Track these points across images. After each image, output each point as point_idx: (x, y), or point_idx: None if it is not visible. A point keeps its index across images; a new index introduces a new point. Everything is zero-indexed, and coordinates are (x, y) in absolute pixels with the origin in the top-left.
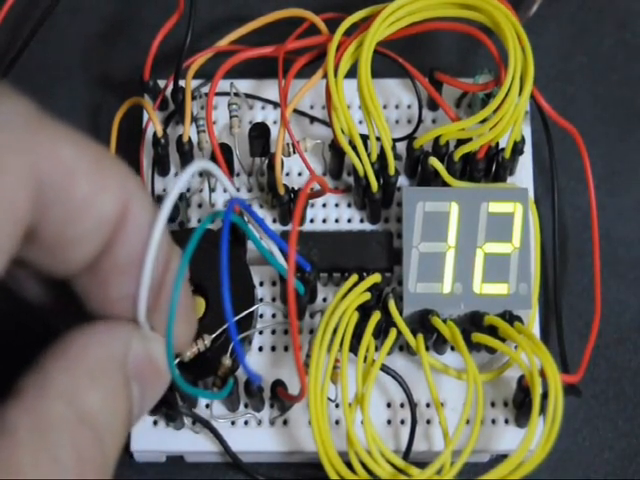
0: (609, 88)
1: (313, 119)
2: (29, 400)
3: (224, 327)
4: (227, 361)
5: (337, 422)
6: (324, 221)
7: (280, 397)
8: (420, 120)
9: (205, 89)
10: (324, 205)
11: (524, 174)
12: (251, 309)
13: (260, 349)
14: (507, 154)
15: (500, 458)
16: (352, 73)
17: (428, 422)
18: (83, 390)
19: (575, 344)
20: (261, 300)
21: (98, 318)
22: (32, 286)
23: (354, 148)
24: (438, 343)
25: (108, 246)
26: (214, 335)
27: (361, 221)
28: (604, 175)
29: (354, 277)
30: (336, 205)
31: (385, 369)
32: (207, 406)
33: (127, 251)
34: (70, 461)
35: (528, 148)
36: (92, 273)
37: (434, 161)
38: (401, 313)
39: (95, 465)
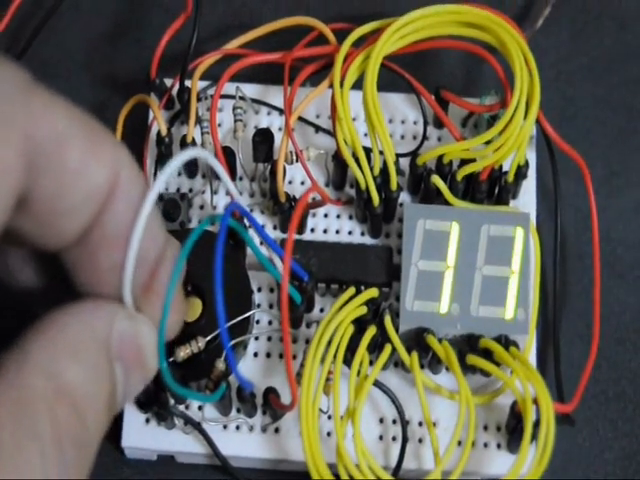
0: (609, 89)
1: (318, 128)
2: (9, 376)
3: (219, 331)
4: (220, 365)
5: (328, 434)
6: (325, 231)
7: (272, 405)
8: (424, 137)
9: (211, 91)
10: (326, 215)
11: (527, 198)
12: (246, 315)
13: (255, 355)
14: (510, 177)
15: None
16: (359, 84)
17: (420, 441)
18: (63, 366)
19: (575, 345)
20: (258, 306)
21: (86, 297)
22: (21, 267)
23: (357, 160)
24: (433, 362)
25: (98, 216)
26: (208, 337)
27: (362, 234)
28: (604, 176)
29: (351, 290)
30: (337, 216)
31: (378, 384)
32: (199, 408)
33: (116, 222)
34: (47, 434)
35: (532, 173)
36: (82, 245)
37: (436, 179)
38: (397, 329)
39: (74, 439)
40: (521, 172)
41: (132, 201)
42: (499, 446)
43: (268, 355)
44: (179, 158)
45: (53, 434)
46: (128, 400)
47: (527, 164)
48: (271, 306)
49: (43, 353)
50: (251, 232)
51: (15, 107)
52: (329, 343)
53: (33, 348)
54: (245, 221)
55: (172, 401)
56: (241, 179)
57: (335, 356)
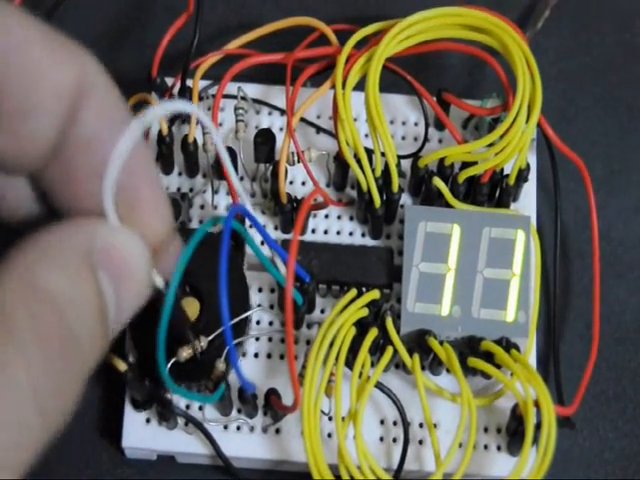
0: (609, 88)
1: (319, 129)
2: None
3: (219, 330)
4: (221, 365)
5: (329, 435)
6: (325, 232)
7: (274, 406)
8: (426, 139)
9: (212, 91)
10: (326, 216)
11: (528, 201)
12: (245, 315)
13: (256, 355)
14: (511, 180)
15: None
16: (361, 86)
17: (420, 442)
18: (42, 272)
19: (575, 345)
20: (259, 306)
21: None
22: (21, 198)
23: (358, 162)
24: (434, 364)
25: (70, 124)
26: (211, 337)
27: (362, 235)
28: (603, 175)
29: (353, 291)
30: (338, 217)
31: (380, 386)
32: (200, 408)
33: (88, 128)
34: (27, 332)
35: (533, 175)
36: (57, 159)
37: (437, 182)
38: (398, 331)
39: (58, 340)
40: (522, 175)
41: (104, 106)
42: (499, 448)
43: (269, 356)
44: (172, 104)
45: (35, 336)
46: (126, 317)
47: (528, 167)
48: (272, 307)
49: (21, 264)
50: (251, 232)
51: None
52: (331, 345)
53: (12, 263)
54: (246, 221)
55: (174, 401)
56: (242, 179)
57: (337, 358)
